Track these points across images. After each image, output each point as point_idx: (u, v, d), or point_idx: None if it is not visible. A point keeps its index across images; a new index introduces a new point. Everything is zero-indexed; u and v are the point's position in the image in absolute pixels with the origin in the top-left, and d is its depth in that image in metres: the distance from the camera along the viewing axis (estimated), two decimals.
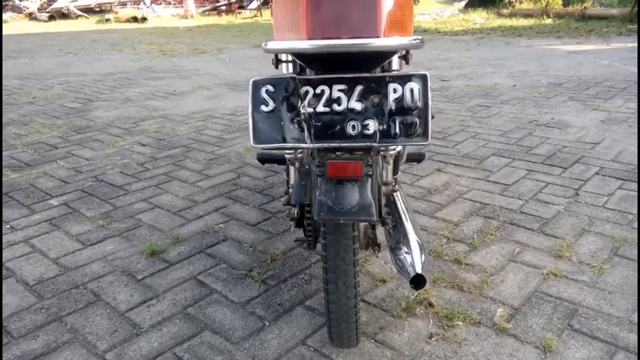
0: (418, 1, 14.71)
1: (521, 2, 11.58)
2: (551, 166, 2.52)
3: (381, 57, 0.96)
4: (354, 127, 0.94)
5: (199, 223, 2.06)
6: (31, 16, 16.65)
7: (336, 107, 0.94)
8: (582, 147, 2.77)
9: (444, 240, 1.85)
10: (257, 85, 0.95)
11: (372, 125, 0.94)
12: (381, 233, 1.48)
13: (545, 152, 2.71)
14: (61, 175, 2.62)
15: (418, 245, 1.17)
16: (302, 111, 0.94)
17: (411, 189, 2.31)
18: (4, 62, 7.22)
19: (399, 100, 0.94)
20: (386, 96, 0.94)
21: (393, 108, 0.94)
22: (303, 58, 0.97)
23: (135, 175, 2.60)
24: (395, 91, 0.94)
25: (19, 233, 1.99)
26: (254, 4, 16.15)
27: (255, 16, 15.16)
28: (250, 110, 0.95)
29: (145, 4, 17.17)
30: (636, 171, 2.40)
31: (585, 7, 9.98)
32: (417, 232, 1.22)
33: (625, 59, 5.59)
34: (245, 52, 7.75)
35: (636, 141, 2.82)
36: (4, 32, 12.54)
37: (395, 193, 1.28)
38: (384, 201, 1.24)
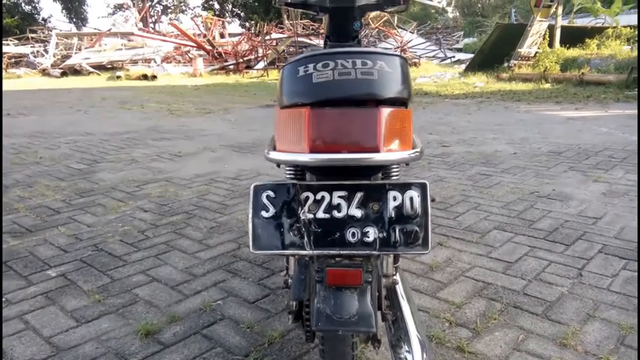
0: (419, 64, 15.19)
1: (519, 67, 11.92)
2: (554, 242, 2.50)
3: (381, 166, 0.98)
4: (353, 234, 0.94)
5: (197, 299, 2.02)
6: (44, 72, 17.23)
7: (336, 214, 0.94)
8: (584, 222, 2.76)
9: (446, 324, 1.81)
10: (258, 191, 0.96)
11: (372, 233, 0.94)
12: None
13: (547, 227, 2.70)
14: (61, 243, 2.61)
15: (419, 343, 1.15)
16: (302, 217, 0.94)
17: (412, 264, 2.29)
18: (14, 119, 7.40)
19: (399, 208, 0.95)
20: (386, 203, 0.95)
21: (393, 216, 0.95)
22: (304, 165, 0.99)
23: (135, 244, 2.59)
24: (395, 199, 0.95)
25: (14, 308, 1.96)
26: (261, 65, 16.69)
27: (261, 75, 15.64)
28: (250, 215, 0.95)
29: (155, 62, 17.78)
30: None
31: (583, 73, 10.24)
32: (419, 328, 1.19)
33: (623, 127, 5.68)
34: (250, 113, 7.93)
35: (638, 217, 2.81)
36: (18, 87, 12.93)
37: (396, 285, 1.26)
38: (384, 293, 1.22)
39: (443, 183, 3.62)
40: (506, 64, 12.38)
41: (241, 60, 17.17)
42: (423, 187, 0.96)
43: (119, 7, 35.97)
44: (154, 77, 15.21)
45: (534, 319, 1.83)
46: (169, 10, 36.00)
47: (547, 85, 10.19)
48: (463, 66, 14.48)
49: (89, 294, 2.07)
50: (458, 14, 33.66)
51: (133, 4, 32.64)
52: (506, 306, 1.92)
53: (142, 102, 9.57)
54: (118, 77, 15.38)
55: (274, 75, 15.48)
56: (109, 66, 17.58)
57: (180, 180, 3.87)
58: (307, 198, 0.95)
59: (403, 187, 0.95)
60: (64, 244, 2.60)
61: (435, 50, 19.22)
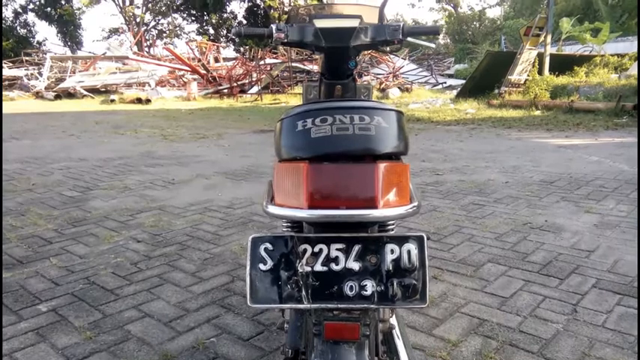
0: (411, 90, 15.38)
1: (510, 94, 12.10)
2: (548, 276, 2.50)
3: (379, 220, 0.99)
4: (351, 287, 0.94)
5: (190, 336, 2.00)
6: (37, 95, 17.22)
7: (334, 267, 0.95)
8: (578, 255, 2.77)
9: None
10: (256, 243, 0.96)
11: (370, 286, 0.94)
12: None
13: (540, 260, 2.71)
14: (52, 276, 2.58)
15: None
16: (300, 270, 0.95)
17: None
18: (7, 144, 7.37)
19: (397, 261, 0.95)
20: (383, 256, 0.95)
21: (391, 269, 0.95)
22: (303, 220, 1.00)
23: (127, 277, 2.56)
24: (392, 251, 0.95)
25: (4, 345, 1.93)
26: (255, 89, 16.82)
27: (255, 100, 15.73)
28: (248, 268, 0.95)
29: (149, 85, 17.86)
30: (634, 284, 2.39)
31: (572, 101, 10.41)
32: None
33: (614, 155, 5.75)
34: (244, 138, 7.96)
35: (633, 249, 2.83)
36: (11, 111, 12.90)
37: (393, 330, 1.26)
38: (380, 337, 1.22)
39: (437, 213, 3.63)
40: (496, 91, 12.57)
41: (235, 84, 17.30)
42: (420, 240, 0.97)
43: (114, 31, 36.23)
44: (148, 101, 15.24)
45: (530, 357, 1.82)
46: (164, 35, 36.34)
47: (537, 112, 10.33)
48: (454, 92, 14.68)
49: (80, 330, 2.04)
50: (449, 41, 34.28)
51: (128, 28, 32.97)
52: (502, 344, 1.91)
53: (136, 126, 9.58)
54: (112, 101, 15.39)
55: (268, 99, 15.60)
56: (103, 89, 17.61)
57: (173, 209, 3.86)
58: (305, 250, 0.95)
59: (401, 240, 0.96)
60: (56, 277, 2.56)
61: (426, 76, 19.50)
